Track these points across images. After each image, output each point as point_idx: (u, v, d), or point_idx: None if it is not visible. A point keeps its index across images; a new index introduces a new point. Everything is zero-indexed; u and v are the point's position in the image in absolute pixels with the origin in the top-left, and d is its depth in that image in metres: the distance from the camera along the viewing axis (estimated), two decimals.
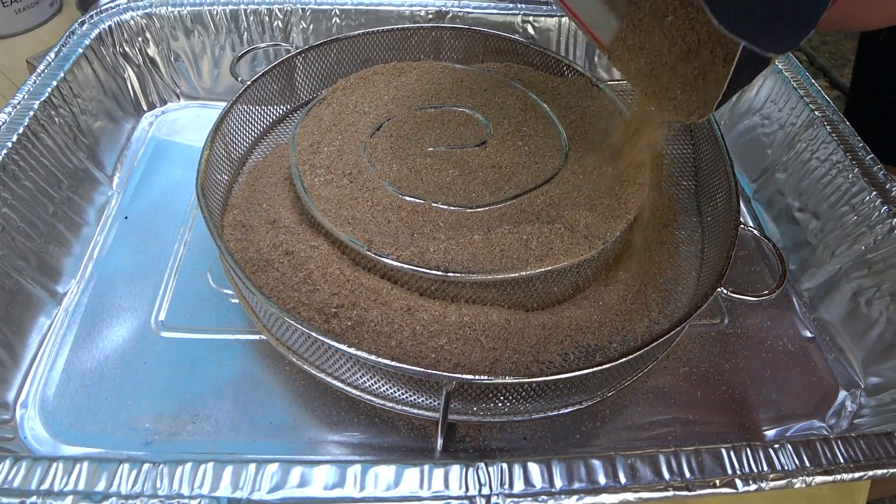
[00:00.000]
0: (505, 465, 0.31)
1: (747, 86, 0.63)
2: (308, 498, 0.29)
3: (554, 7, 0.65)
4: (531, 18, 0.65)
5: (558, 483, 0.31)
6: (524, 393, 0.38)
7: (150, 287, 0.49)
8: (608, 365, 0.35)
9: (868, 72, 0.76)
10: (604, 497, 0.31)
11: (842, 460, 0.34)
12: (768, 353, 0.49)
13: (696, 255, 0.50)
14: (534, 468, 0.31)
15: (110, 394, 0.42)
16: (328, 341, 0.34)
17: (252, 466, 0.30)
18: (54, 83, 0.51)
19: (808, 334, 0.50)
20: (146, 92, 0.63)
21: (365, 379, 0.38)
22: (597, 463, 0.31)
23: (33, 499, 0.29)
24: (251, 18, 0.62)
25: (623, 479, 0.31)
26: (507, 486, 0.30)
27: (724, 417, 0.44)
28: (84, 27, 0.58)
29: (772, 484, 0.32)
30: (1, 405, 0.41)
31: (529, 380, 0.34)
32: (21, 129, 0.47)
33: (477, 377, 0.33)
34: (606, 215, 0.43)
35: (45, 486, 0.29)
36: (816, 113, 0.56)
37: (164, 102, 0.65)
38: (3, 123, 0.47)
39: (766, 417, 0.45)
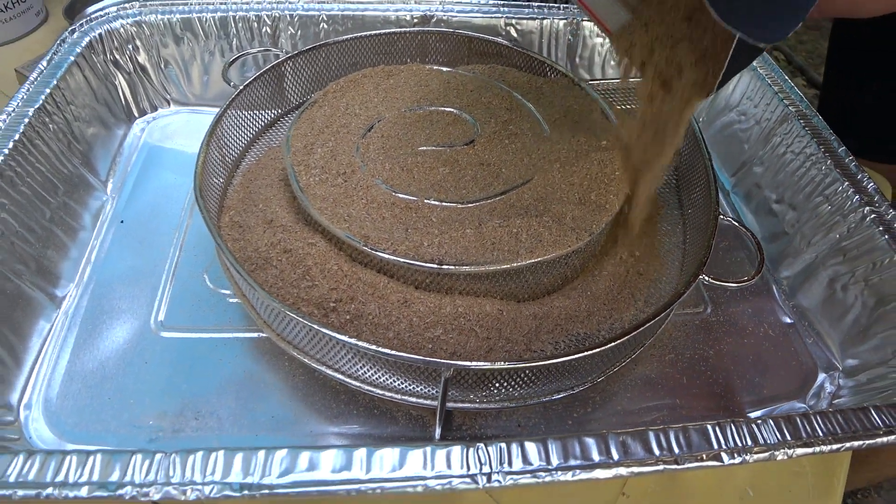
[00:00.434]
0: (503, 445, 0.32)
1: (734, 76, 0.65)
2: (317, 481, 0.30)
3: (536, 10, 0.67)
4: (514, 21, 0.67)
5: (555, 461, 0.32)
6: (519, 379, 0.39)
7: (148, 289, 0.49)
8: (597, 350, 0.37)
9: (838, 66, 0.78)
10: (598, 472, 0.32)
11: (821, 434, 0.35)
12: (750, 339, 0.51)
13: (678, 247, 0.52)
14: (531, 447, 0.32)
15: (113, 393, 0.43)
16: (331, 333, 0.35)
17: (262, 453, 0.31)
18: (48, 91, 0.52)
19: (788, 320, 0.52)
20: (137, 99, 0.64)
21: (365, 369, 0.39)
22: (590, 441, 0.33)
23: (49, 490, 0.30)
24: (240, 25, 0.63)
25: (616, 456, 0.33)
26: (506, 465, 0.32)
27: (709, 401, 0.46)
28: (74, 35, 0.58)
29: (755, 457, 0.34)
30: (5, 407, 0.41)
31: (524, 364, 0.36)
32: (17, 136, 0.48)
33: (475, 363, 0.35)
34: (592, 208, 0.44)
35: (59, 479, 0.30)
36: (790, 108, 0.58)
37: (154, 109, 0.65)
38: (0, 131, 0.48)
39: (749, 400, 0.47)
